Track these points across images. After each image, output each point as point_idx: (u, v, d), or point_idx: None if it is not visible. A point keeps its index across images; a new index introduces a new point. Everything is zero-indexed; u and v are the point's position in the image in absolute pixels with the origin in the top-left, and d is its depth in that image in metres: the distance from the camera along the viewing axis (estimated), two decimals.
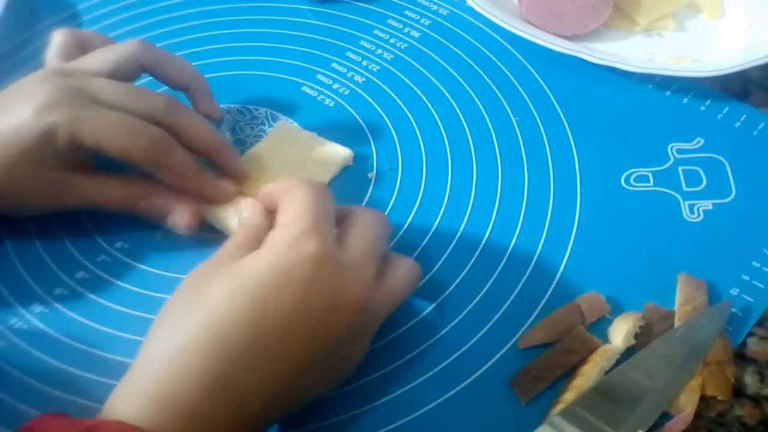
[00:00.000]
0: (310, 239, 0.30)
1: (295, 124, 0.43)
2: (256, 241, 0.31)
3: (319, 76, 0.48)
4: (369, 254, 0.32)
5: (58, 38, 0.40)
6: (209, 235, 0.39)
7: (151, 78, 0.41)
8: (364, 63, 0.49)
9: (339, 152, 0.42)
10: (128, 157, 0.35)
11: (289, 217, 0.31)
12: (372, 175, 0.43)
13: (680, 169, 0.43)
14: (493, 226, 0.40)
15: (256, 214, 0.34)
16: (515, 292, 0.38)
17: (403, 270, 0.34)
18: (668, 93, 0.48)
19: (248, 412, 0.28)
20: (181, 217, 0.37)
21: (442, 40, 0.51)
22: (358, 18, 0.53)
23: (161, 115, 0.37)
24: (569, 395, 0.33)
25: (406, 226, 0.40)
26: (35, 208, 0.38)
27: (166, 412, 0.26)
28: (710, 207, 0.41)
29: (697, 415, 0.33)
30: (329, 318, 0.29)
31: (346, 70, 0.49)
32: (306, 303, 0.29)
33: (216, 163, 0.39)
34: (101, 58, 0.39)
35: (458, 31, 0.52)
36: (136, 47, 0.40)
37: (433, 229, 0.40)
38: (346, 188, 0.42)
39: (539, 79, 0.48)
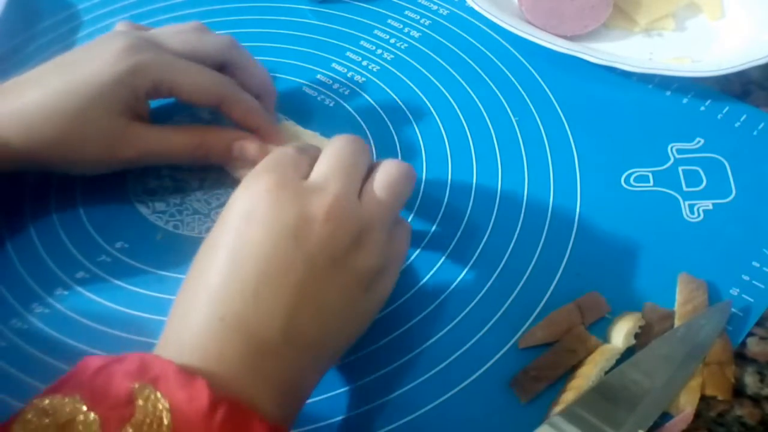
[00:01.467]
0: (266, 173, 0.31)
1: (298, 126, 0.43)
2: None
3: (319, 76, 0.48)
4: (336, 173, 0.32)
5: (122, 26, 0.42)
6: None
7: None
8: (365, 63, 0.49)
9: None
10: (209, 95, 0.39)
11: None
12: None
13: (680, 169, 0.43)
14: (493, 225, 0.40)
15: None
16: (515, 292, 0.38)
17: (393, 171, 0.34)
18: (668, 93, 0.48)
19: (268, 347, 0.28)
20: (250, 146, 0.39)
21: (442, 40, 0.51)
22: (358, 18, 0.53)
23: (227, 53, 0.41)
24: (569, 395, 0.33)
25: None
26: (92, 161, 0.38)
27: (186, 354, 0.27)
28: (710, 207, 0.41)
29: (697, 415, 0.33)
30: (303, 234, 0.29)
31: (346, 70, 0.49)
32: (273, 233, 0.29)
33: (264, 104, 0.42)
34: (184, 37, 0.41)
35: (458, 31, 0.52)
36: (228, 41, 0.42)
37: (433, 228, 0.40)
38: None
39: (539, 79, 0.48)
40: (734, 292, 0.38)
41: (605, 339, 0.36)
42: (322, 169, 0.32)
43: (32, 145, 0.36)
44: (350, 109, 0.46)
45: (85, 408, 0.25)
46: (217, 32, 0.42)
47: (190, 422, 0.24)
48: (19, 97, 0.37)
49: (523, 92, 0.48)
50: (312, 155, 0.34)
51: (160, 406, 0.25)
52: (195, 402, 0.25)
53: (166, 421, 0.24)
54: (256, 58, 0.43)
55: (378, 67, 0.49)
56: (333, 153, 0.33)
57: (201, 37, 0.41)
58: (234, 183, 0.40)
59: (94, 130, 0.37)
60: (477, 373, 0.35)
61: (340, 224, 0.30)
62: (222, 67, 0.41)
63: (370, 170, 0.34)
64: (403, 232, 0.35)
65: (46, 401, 0.25)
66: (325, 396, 0.34)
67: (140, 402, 0.25)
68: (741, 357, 0.36)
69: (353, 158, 0.33)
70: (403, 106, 0.47)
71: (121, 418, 0.24)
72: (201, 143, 0.39)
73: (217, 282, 0.28)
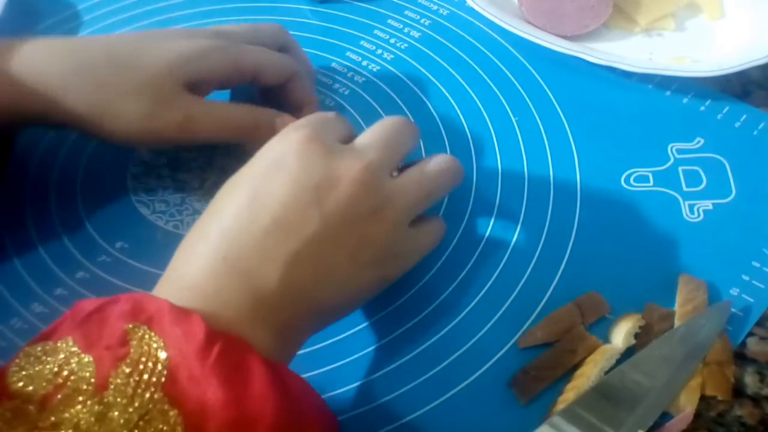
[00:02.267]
0: (304, 127, 0.32)
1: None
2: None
3: (319, 76, 0.48)
4: (376, 144, 0.33)
5: None
6: None
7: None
8: (364, 63, 0.49)
9: None
10: (285, 70, 0.41)
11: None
12: None
13: (680, 169, 0.43)
14: (493, 225, 0.40)
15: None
16: (515, 292, 0.38)
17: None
18: (668, 93, 0.48)
19: (267, 295, 0.28)
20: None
21: (442, 40, 0.51)
22: (358, 18, 0.53)
23: (282, 38, 0.43)
24: (569, 395, 0.33)
25: None
26: (156, 133, 0.38)
27: (184, 291, 0.28)
28: (710, 207, 0.41)
29: (697, 415, 0.33)
30: (323, 193, 0.30)
31: (346, 70, 0.49)
32: (297, 183, 0.30)
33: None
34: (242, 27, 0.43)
35: (458, 31, 0.52)
36: (279, 27, 0.44)
37: None
38: None
39: (539, 79, 0.48)
40: (734, 292, 0.38)
41: (605, 339, 0.36)
42: (364, 139, 0.33)
43: (90, 104, 0.36)
44: (350, 108, 0.46)
45: (78, 350, 0.25)
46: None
47: (187, 357, 0.24)
48: (84, 46, 0.37)
49: (523, 92, 0.48)
50: (350, 127, 0.35)
51: (155, 345, 0.25)
52: (191, 337, 0.25)
53: (162, 357, 0.24)
54: None
55: (378, 67, 0.49)
56: (379, 127, 0.34)
57: (256, 28, 0.43)
58: None
59: (164, 104, 0.37)
60: (477, 373, 0.35)
61: (363, 190, 0.31)
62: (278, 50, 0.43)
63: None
64: (434, 228, 0.35)
65: (38, 348, 0.25)
66: (325, 396, 0.34)
67: (134, 342, 0.25)
68: (741, 357, 0.36)
69: (397, 136, 0.34)
70: (403, 106, 0.47)
71: (116, 357, 0.24)
72: (257, 123, 0.39)
73: (230, 221, 0.29)
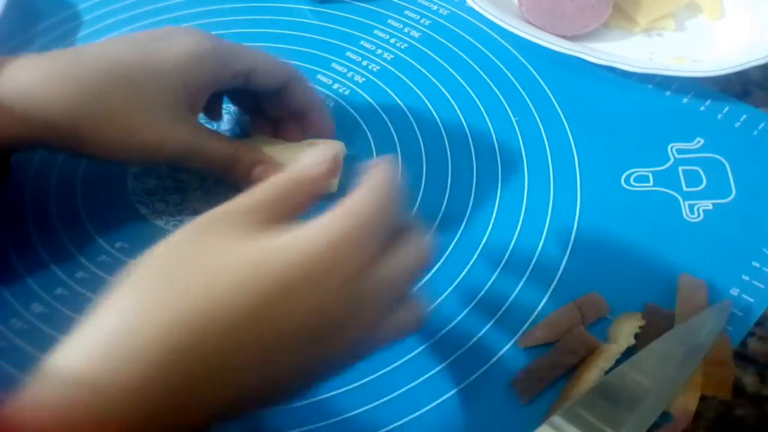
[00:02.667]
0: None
1: (271, 138, 0.41)
2: (295, 207, 0.26)
3: (319, 76, 0.48)
4: (341, 246, 0.24)
5: None
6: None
7: None
8: (365, 63, 0.49)
9: (333, 146, 0.40)
10: (283, 73, 0.39)
11: (361, 204, 0.25)
12: None
13: (680, 169, 0.43)
14: (493, 225, 0.40)
15: (323, 161, 0.28)
16: (515, 292, 0.38)
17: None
18: (668, 93, 0.48)
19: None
20: (271, 173, 0.32)
21: (442, 40, 0.51)
22: (358, 18, 0.53)
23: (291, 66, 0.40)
24: (569, 395, 0.33)
25: None
26: (135, 148, 0.35)
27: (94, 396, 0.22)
28: (710, 207, 0.41)
29: (697, 415, 0.33)
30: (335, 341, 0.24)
31: (346, 70, 0.49)
32: (314, 323, 0.24)
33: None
34: None
35: (458, 31, 0.52)
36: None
37: (433, 228, 0.40)
38: (346, 185, 0.42)
39: (539, 79, 0.48)
40: (734, 292, 0.38)
41: (605, 339, 0.36)
42: (330, 229, 0.24)
43: (84, 113, 0.33)
44: (350, 109, 0.46)
45: None
46: (223, 35, 0.41)
47: None
48: (78, 63, 0.34)
49: (523, 92, 0.48)
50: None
51: None
52: None
53: None
54: None
55: (378, 67, 0.49)
56: (352, 210, 0.25)
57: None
58: (234, 184, 0.40)
59: (146, 115, 0.35)
60: (477, 373, 0.35)
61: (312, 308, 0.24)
62: None
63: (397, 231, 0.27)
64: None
65: None
66: (325, 396, 0.34)
67: None
68: (741, 357, 0.36)
69: (372, 226, 0.25)
70: (403, 106, 0.47)
71: None
72: (234, 155, 0.38)
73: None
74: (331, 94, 0.47)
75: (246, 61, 0.38)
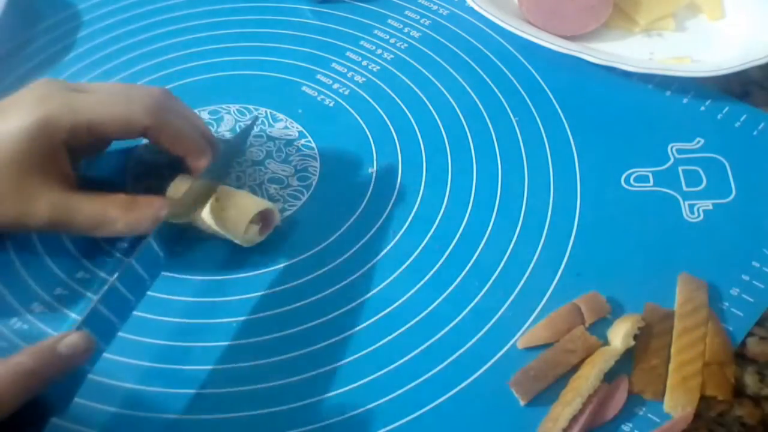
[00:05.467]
0: None
1: (233, 189, 0.39)
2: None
3: (319, 76, 0.48)
4: None
5: None
6: (205, 234, 0.38)
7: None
8: (364, 63, 0.49)
9: (257, 203, 0.38)
10: (130, 122, 0.36)
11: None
12: (373, 170, 0.43)
13: (680, 169, 0.43)
14: (493, 225, 0.40)
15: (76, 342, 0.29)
16: (515, 292, 0.38)
17: None
18: (668, 93, 0.48)
19: None
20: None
21: (442, 40, 0.51)
22: (358, 18, 0.53)
23: (155, 109, 0.36)
24: (569, 395, 0.33)
25: (406, 225, 0.40)
26: (21, 226, 0.36)
27: None
28: (710, 207, 0.41)
29: (697, 415, 0.33)
30: None
31: (346, 70, 0.49)
32: None
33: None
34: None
35: (458, 31, 0.52)
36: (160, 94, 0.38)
37: (433, 228, 0.40)
38: (346, 185, 0.42)
39: (539, 79, 0.48)
40: (734, 292, 0.38)
41: (605, 339, 0.36)
42: None
43: None
44: (350, 109, 0.46)
45: None
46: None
47: None
48: None
49: (523, 92, 0.48)
50: None
51: None
52: None
53: None
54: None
55: (378, 67, 0.49)
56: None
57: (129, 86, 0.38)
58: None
59: (7, 189, 0.34)
60: (477, 373, 0.35)
61: None
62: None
63: None
64: None
65: None
66: (325, 396, 0.34)
67: None
68: (741, 357, 0.36)
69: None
70: (403, 106, 0.47)
71: None
72: (103, 216, 0.36)
73: None
74: (331, 94, 0.47)
75: (80, 116, 0.35)
